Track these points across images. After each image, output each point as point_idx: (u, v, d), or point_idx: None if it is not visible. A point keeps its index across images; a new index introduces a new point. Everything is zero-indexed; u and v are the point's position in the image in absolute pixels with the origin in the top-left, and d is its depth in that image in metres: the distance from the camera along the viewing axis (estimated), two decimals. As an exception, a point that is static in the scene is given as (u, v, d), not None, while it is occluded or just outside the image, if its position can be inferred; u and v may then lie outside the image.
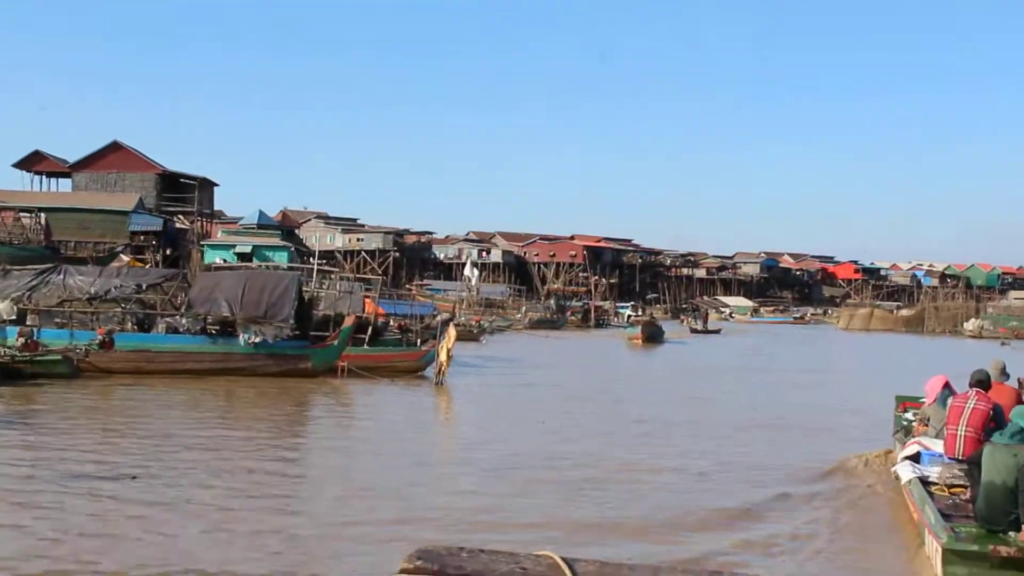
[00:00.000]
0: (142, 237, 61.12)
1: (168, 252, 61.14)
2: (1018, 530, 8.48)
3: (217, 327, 28.09)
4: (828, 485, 14.52)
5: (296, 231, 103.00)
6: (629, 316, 74.66)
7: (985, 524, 8.84)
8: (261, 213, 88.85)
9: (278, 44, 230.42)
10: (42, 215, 60.73)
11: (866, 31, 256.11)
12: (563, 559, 3.16)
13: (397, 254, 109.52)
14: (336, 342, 28.35)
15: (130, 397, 23.00)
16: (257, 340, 27.61)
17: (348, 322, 28.91)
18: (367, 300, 56.53)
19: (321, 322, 31.17)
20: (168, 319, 28.16)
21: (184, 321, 27.87)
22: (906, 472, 11.15)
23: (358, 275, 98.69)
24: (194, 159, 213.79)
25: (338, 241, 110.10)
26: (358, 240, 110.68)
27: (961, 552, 8.36)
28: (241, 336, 27.61)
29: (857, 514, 12.60)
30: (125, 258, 56.46)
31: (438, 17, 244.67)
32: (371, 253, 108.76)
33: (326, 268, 51.14)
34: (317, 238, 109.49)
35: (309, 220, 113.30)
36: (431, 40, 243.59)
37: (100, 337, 26.25)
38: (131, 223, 60.76)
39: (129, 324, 28.60)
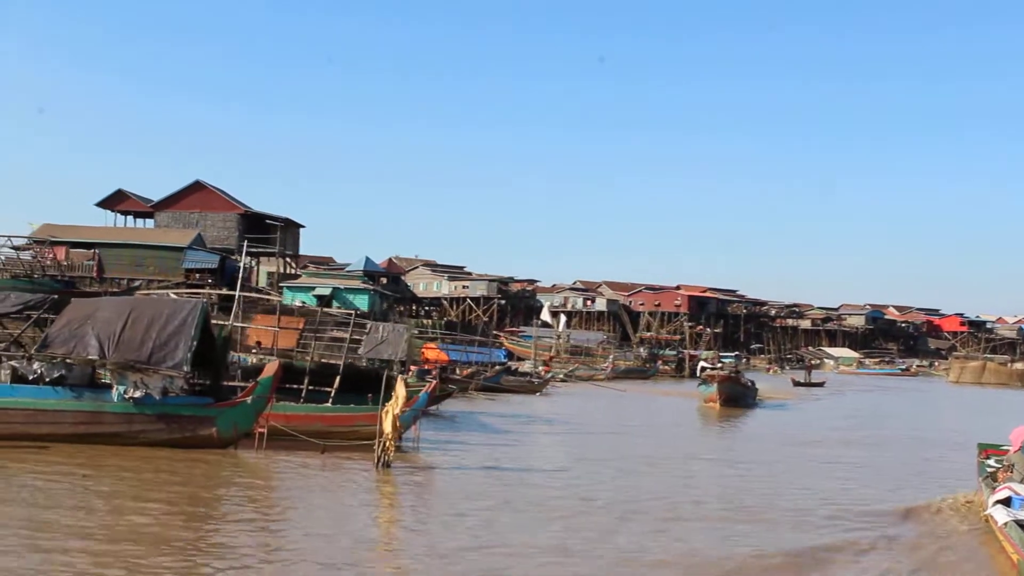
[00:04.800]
0: (197, 275, 51.35)
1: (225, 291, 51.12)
2: None
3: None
4: (916, 527, 12.95)
5: (402, 278, 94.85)
6: (703, 368, 45.98)
7: None
8: (368, 259, 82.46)
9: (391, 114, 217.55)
10: (96, 251, 51.69)
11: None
12: None
13: (502, 301, 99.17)
14: (250, 399, 17.28)
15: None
16: (137, 394, 16.80)
17: (269, 370, 17.73)
18: (429, 346, 45.53)
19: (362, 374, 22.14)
20: (16, 363, 17.41)
21: (36, 366, 17.09)
22: (1001, 515, 10.66)
23: (463, 321, 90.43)
24: (312, 208, 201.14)
25: (444, 288, 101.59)
26: (463, 287, 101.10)
27: None
28: (115, 389, 16.86)
29: (950, 554, 11.25)
30: (173, 295, 46.61)
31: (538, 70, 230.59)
32: (476, 300, 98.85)
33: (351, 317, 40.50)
34: (424, 285, 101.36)
35: (416, 268, 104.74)
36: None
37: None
38: (185, 260, 51.25)
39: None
